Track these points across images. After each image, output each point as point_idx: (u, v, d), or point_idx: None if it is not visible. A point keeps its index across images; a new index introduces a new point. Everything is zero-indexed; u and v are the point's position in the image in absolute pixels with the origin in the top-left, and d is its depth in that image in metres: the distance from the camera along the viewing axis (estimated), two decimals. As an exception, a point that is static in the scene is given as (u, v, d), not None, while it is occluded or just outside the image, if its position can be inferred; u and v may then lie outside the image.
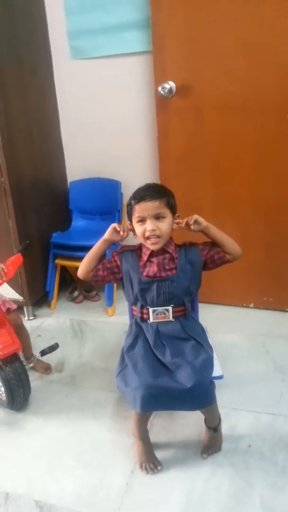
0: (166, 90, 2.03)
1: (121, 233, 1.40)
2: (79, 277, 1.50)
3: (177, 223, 1.41)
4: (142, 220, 1.37)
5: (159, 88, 2.04)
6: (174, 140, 2.15)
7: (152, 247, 1.38)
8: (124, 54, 2.26)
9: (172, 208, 1.39)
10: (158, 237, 1.36)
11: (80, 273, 1.48)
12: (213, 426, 1.47)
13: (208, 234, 1.41)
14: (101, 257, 1.47)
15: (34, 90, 2.28)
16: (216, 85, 2.00)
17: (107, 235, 1.42)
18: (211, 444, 1.48)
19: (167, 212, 1.36)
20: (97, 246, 1.45)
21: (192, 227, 1.38)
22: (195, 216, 1.38)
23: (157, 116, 2.14)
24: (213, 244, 1.44)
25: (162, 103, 2.10)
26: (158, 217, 1.35)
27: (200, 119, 2.07)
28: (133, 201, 1.38)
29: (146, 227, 1.35)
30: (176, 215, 1.42)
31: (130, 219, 1.41)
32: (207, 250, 1.44)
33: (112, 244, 1.46)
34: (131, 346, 1.45)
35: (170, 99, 2.07)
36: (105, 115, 2.41)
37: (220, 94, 2.01)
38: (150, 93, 2.22)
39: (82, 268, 1.47)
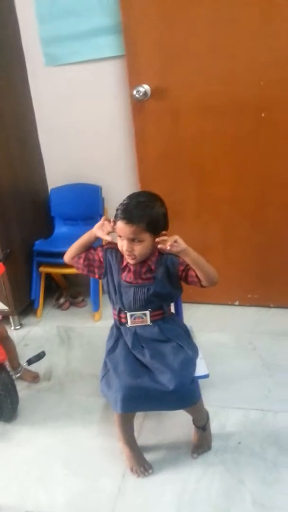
0: (141, 94, 2.04)
1: (106, 233, 1.38)
2: (65, 260, 1.50)
3: (157, 243, 1.30)
4: (121, 236, 1.35)
5: (134, 92, 2.05)
6: (152, 143, 2.16)
7: (129, 261, 1.38)
8: (98, 59, 2.26)
9: (154, 229, 1.32)
10: (134, 257, 1.35)
11: (65, 257, 1.50)
12: (201, 425, 1.47)
13: (184, 258, 1.32)
14: (87, 247, 1.47)
15: (9, 98, 2.27)
16: (191, 86, 2.01)
17: (94, 228, 1.41)
18: (201, 443, 1.48)
19: (144, 236, 1.31)
20: (84, 238, 1.46)
21: (169, 247, 1.27)
22: (175, 237, 1.28)
23: (133, 120, 2.15)
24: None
25: (137, 107, 2.11)
26: (134, 240, 1.32)
27: (177, 121, 2.08)
28: (117, 214, 1.34)
29: (123, 245, 1.34)
30: (162, 232, 1.34)
31: (114, 223, 1.38)
32: (183, 268, 1.38)
33: (97, 239, 1.44)
34: (112, 349, 1.46)
35: (145, 102, 2.08)
36: (83, 120, 2.41)
37: (195, 95, 2.02)
38: (125, 97, 2.22)
39: (68, 253, 1.49)
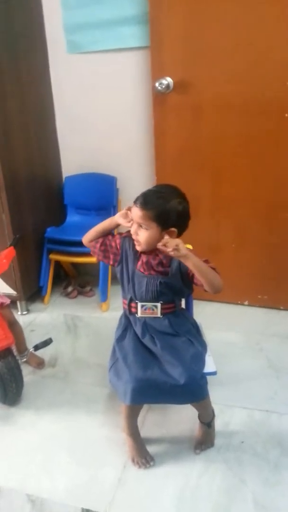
0: (163, 86, 2.02)
1: (128, 222, 1.38)
2: (83, 242, 1.51)
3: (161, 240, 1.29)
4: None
5: (156, 84, 2.03)
6: (171, 137, 2.14)
7: (137, 247, 1.39)
8: (121, 49, 2.25)
9: (163, 222, 1.31)
10: (138, 242, 1.36)
11: (84, 240, 1.51)
12: (207, 422, 1.47)
13: (187, 263, 1.29)
14: (106, 233, 1.48)
15: (30, 84, 2.27)
16: (215, 83, 1.99)
17: (117, 215, 1.42)
18: (204, 439, 1.48)
19: (151, 225, 1.31)
20: (104, 223, 1.47)
21: (170, 252, 1.25)
22: (176, 242, 1.26)
23: (153, 112, 2.13)
24: None
25: (159, 99, 2.09)
26: (141, 226, 1.33)
27: (198, 117, 2.06)
28: (136, 198, 1.36)
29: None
30: (171, 229, 1.33)
31: None
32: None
33: (118, 226, 1.45)
34: (121, 337, 1.46)
35: (167, 95, 2.06)
36: (101, 110, 2.40)
37: (218, 92, 2.00)
38: (147, 89, 2.21)
39: (86, 236, 1.50)
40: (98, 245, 1.47)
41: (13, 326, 1.80)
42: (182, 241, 1.27)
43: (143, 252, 1.40)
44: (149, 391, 1.31)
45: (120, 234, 1.48)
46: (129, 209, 1.38)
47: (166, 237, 1.31)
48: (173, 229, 1.33)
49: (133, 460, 1.44)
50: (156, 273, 1.39)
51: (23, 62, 2.20)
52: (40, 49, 2.35)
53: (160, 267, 1.39)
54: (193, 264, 1.28)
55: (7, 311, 1.79)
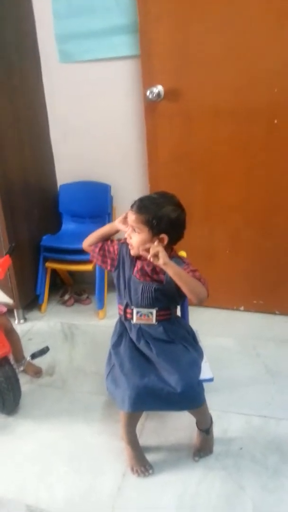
0: (154, 94, 2.03)
1: (127, 227, 1.41)
2: (83, 247, 1.55)
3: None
4: None
5: (147, 92, 2.04)
6: (163, 144, 2.15)
7: (131, 251, 1.42)
8: (112, 58, 2.26)
9: (153, 228, 1.33)
10: (131, 246, 1.40)
11: (84, 244, 1.54)
12: (205, 428, 1.47)
13: (167, 271, 1.31)
14: (106, 239, 1.52)
15: (23, 93, 2.28)
16: (205, 90, 2.01)
17: (116, 221, 1.47)
18: (203, 446, 1.48)
19: (142, 229, 1.34)
20: (105, 228, 1.52)
21: (149, 257, 1.29)
22: (157, 249, 1.28)
23: (145, 120, 2.15)
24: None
25: (150, 107, 2.10)
26: (134, 229, 1.37)
27: (189, 124, 2.08)
28: None
29: None
30: (162, 236, 1.34)
31: None
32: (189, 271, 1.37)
33: (118, 231, 1.49)
34: (117, 344, 1.47)
35: (158, 103, 2.08)
36: (95, 118, 2.41)
37: (209, 100, 2.01)
38: (138, 97, 2.22)
39: (86, 240, 1.53)
40: (97, 250, 1.50)
41: (10, 334, 1.80)
42: (163, 249, 1.30)
43: (139, 258, 1.41)
44: (147, 398, 1.32)
45: (118, 240, 1.50)
46: (127, 214, 1.42)
47: (156, 243, 1.32)
48: (163, 235, 1.34)
49: (132, 469, 1.44)
50: (151, 280, 1.40)
51: (15, 71, 2.21)
52: (32, 59, 2.36)
53: (154, 274, 1.40)
54: (173, 272, 1.30)
55: (4, 319, 1.79)
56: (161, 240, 1.35)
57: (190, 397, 1.35)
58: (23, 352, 1.90)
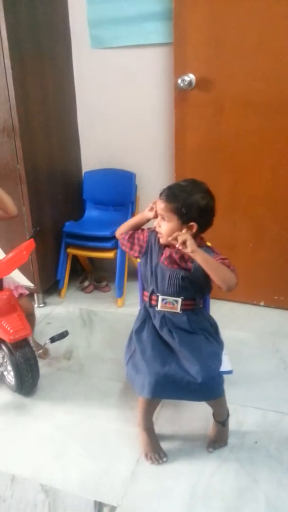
0: (185, 83, 2.01)
1: (154, 215, 1.44)
2: (116, 235, 1.58)
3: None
4: None
5: (179, 80, 2.02)
6: (192, 134, 2.13)
7: (160, 239, 1.42)
8: (144, 45, 2.24)
9: (182, 216, 1.33)
10: (160, 234, 1.40)
11: (117, 232, 1.57)
12: (222, 420, 1.47)
13: (196, 259, 1.30)
14: (137, 228, 1.54)
15: (53, 77, 2.28)
16: (237, 80, 1.97)
17: (146, 210, 1.48)
18: (218, 438, 1.48)
19: (171, 217, 1.35)
20: (136, 218, 1.54)
21: (178, 245, 1.28)
22: (184, 238, 1.27)
23: (175, 109, 2.13)
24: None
25: (181, 96, 2.08)
26: (163, 218, 1.37)
27: (219, 114, 2.05)
28: None
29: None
30: (191, 224, 1.34)
31: None
32: (218, 259, 1.37)
33: (148, 220, 1.51)
34: (139, 329, 1.47)
35: (189, 92, 2.06)
36: (123, 105, 2.40)
37: (241, 90, 1.98)
38: (169, 86, 2.20)
39: (120, 229, 1.56)
40: (127, 237, 1.52)
41: (29, 317, 1.82)
42: (191, 237, 1.29)
43: (167, 246, 1.41)
44: (167, 386, 1.32)
45: (149, 228, 1.52)
46: (154, 203, 1.42)
47: (184, 231, 1.33)
48: (193, 223, 1.34)
49: (146, 455, 1.45)
50: (179, 267, 1.40)
51: (47, 55, 2.21)
52: (64, 43, 2.35)
53: (182, 262, 1.40)
54: (201, 259, 1.30)
55: (26, 301, 1.82)
56: (190, 228, 1.34)
57: (210, 388, 1.35)
58: (33, 336, 1.90)
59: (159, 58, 2.23)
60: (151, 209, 1.45)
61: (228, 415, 1.49)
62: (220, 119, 2.05)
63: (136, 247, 1.50)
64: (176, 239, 1.29)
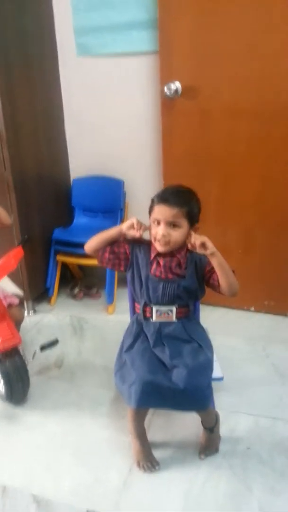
0: (172, 91, 2.02)
1: (136, 232, 1.38)
2: (86, 250, 1.47)
3: (188, 238, 1.34)
4: (157, 222, 1.36)
5: (165, 88, 2.03)
6: (179, 142, 2.14)
7: (159, 249, 1.38)
8: (130, 53, 2.26)
9: (192, 219, 1.36)
10: (167, 242, 1.35)
11: (87, 248, 1.47)
12: (209, 427, 1.47)
13: (211, 260, 1.33)
14: (111, 243, 1.46)
15: (40, 85, 2.28)
16: (224, 88, 1.99)
17: (124, 228, 1.40)
18: (208, 445, 1.48)
19: (183, 222, 1.34)
20: (111, 232, 1.44)
21: (197, 249, 1.31)
22: (204, 239, 1.30)
23: (162, 117, 2.14)
24: None
25: (167, 104, 2.09)
26: (172, 224, 1.34)
27: (206, 122, 2.06)
28: (155, 199, 1.37)
29: (158, 230, 1.35)
30: (196, 226, 1.38)
31: (149, 214, 1.40)
32: (210, 268, 1.38)
33: (123, 236, 1.45)
34: (130, 347, 1.45)
35: (175, 100, 2.07)
36: (110, 113, 2.41)
37: (227, 97, 2.00)
38: (155, 93, 2.21)
39: (91, 244, 1.46)
40: (106, 255, 1.45)
41: (19, 326, 1.81)
42: (209, 239, 1.30)
43: (159, 256, 1.40)
44: (153, 395, 1.31)
45: (126, 240, 1.47)
46: (138, 225, 1.38)
47: (193, 234, 1.34)
48: (197, 225, 1.38)
49: (138, 464, 1.44)
50: (173, 275, 1.40)
51: (33, 64, 2.21)
52: (50, 52, 2.36)
53: (178, 269, 1.40)
54: (218, 262, 1.32)
55: (16, 311, 1.81)
56: (195, 230, 1.37)
57: (197, 399, 1.34)
58: None
59: (146, 66, 2.24)
60: (132, 226, 1.38)
61: (216, 421, 1.49)
62: (208, 127, 2.07)
63: (121, 262, 1.45)
64: (194, 242, 1.30)
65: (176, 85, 2.03)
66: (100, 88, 2.38)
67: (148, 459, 1.44)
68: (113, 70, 2.32)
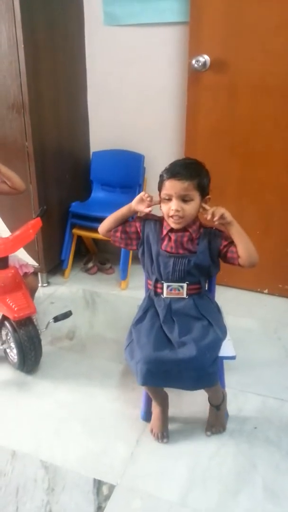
0: (200, 64, 1.97)
1: (146, 207, 1.38)
2: (100, 233, 1.50)
3: (203, 209, 1.35)
4: (168, 198, 1.34)
5: (193, 61, 1.98)
6: (204, 117, 2.10)
7: (173, 226, 1.37)
8: (158, 23, 2.20)
9: (203, 190, 1.35)
10: (181, 217, 1.34)
11: (100, 229, 1.49)
12: (216, 404, 1.48)
13: (229, 230, 1.34)
14: (123, 221, 1.47)
15: (64, 54, 2.24)
16: (253, 63, 1.93)
17: (133, 203, 1.41)
18: (214, 422, 1.49)
19: (195, 195, 1.33)
20: (122, 211, 1.45)
21: (215, 221, 1.30)
22: (222, 211, 1.30)
23: (188, 91, 2.09)
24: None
25: (194, 77, 2.04)
26: (184, 198, 1.32)
27: (233, 97, 2.02)
28: (165, 175, 1.34)
29: (170, 206, 1.33)
30: (207, 197, 1.37)
31: (159, 190, 1.38)
32: (227, 243, 1.37)
33: (136, 213, 1.45)
34: (139, 320, 1.45)
35: (203, 74, 2.02)
36: (134, 85, 2.36)
37: (256, 73, 1.94)
38: (182, 66, 2.16)
39: (103, 225, 1.48)
40: (118, 234, 1.46)
41: (34, 294, 1.83)
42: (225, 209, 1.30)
43: (171, 231, 1.39)
44: (159, 373, 1.31)
45: (138, 217, 1.47)
46: (147, 195, 1.37)
47: (205, 205, 1.34)
48: (208, 196, 1.37)
49: (151, 430, 1.47)
50: (184, 251, 1.38)
51: (59, 30, 2.17)
52: (77, 19, 2.31)
53: (189, 244, 1.38)
54: (237, 230, 1.33)
55: (31, 279, 1.83)
56: (206, 201, 1.37)
57: (202, 376, 1.33)
58: None
59: (173, 37, 2.18)
60: (142, 200, 1.39)
61: (223, 400, 1.49)
62: (234, 103, 2.02)
63: (133, 241, 1.46)
64: (210, 215, 1.29)
65: (205, 58, 1.98)
66: (125, 59, 2.33)
67: (161, 429, 1.46)
68: (139, 40, 2.27)
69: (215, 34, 1.96)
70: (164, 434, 1.46)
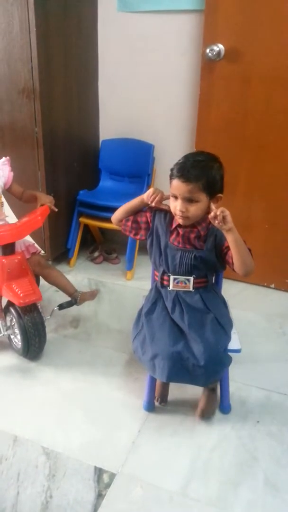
0: (214, 53, 1.94)
1: (152, 202, 1.39)
2: (112, 221, 1.52)
3: (209, 211, 1.29)
4: (175, 196, 1.33)
5: (207, 50, 1.95)
6: (216, 108, 2.07)
7: (180, 222, 1.36)
8: (173, 10, 2.17)
9: (212, 190, 1.30)
10: (186, 217, 1.33)
11: (113, 219, 1.52)
12: (212, 387, 1.49)
13: (227, 237, 1.28)
14: (135, 212, 1.48)
15: (76, 39, 2.21)
16: (269, 54, 1.90)
17: (145, 196, 1.41)
18: (207, 406, 1.49)
19: (200, 196, 1.29)
20: (134, 202, 1.46)
21: (216, 222, 1.26)
22: (226, 213, 1.24)
23: (201, 80, 2.06)
24: None
25: (208, 67, 2.01)
26: (190, 200, 1.30)
27: (247, 89, 1.99)
28: (173, 172, 1.32)
29: (176, 205, 1.32)
30: (218, 195, 1.33)
31: (170, 184, 1.35)
32: (227, 245, 1.33)
33: (147, 206, 1.46)
34: (150, 311, 1.45)
35: (217, 63, 1.99)
36: (146, 73, 2.34)
37: (271, 64, 1.91)
38: (195, 55, 2.13)
39: (116, 215, 1.50)
40: (129, 223, 1.47)
41: (48, 270, 1.88)
42: (230, 213, 1.25)
43: (180, 226, 1.38)
44: (179, 368, 1.33)
45: (150, 208, 1.46)
46: (155, 191, 1.37)
47: (213, 205, 1.30)
48: (220, 195, 1.33)
49: (155, 397, 1.54)
50: (192, 246, 1.37)
51: (72, 15, 2.14)
52: (90, 5, 2.28)
53: (196, 241, 1.37)
54: (234, 239, 1.28)
55: (38, 257, 1.84)
56: (217, 200, 1.33)
57: (212, 374, 1.36)
58: (72, 285, 1.92)
59: (188, 25, 2.15)
60: (153, 197, 1.38)
61: (217, 382, 1.50)
62: (247, 94, 1.99)
63: (142, 231, 1.47)
64: (213, 215, 1.25)
65: (219, 47, 1.95)
66: (137, 46, 2.30)
67: (161, 394, 1.55)
68: (153, 28, 2.24)
69: (231, 23, 1.92)
70: (163, 399, 1.54)
